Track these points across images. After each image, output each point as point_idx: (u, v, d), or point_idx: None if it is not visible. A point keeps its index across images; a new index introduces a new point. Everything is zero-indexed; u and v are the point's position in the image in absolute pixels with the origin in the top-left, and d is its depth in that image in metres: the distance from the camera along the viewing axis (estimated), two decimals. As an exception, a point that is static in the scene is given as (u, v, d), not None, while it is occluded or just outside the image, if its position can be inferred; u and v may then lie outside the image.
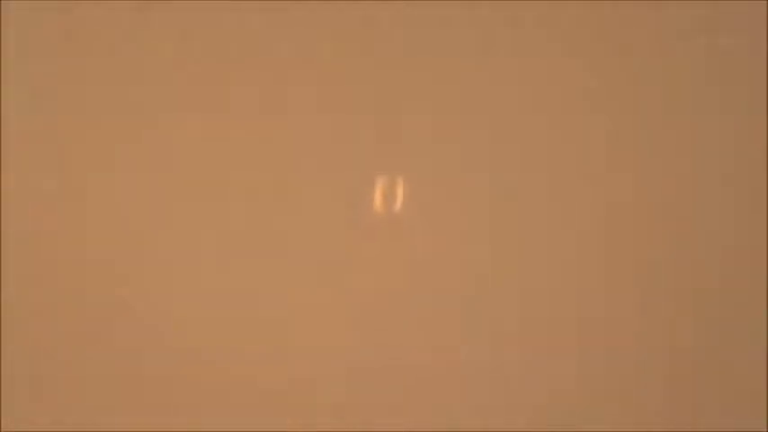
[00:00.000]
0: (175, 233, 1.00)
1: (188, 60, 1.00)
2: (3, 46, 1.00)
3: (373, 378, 1.01)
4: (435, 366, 1.01)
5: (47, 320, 1.00)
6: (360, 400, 1.01)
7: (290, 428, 1.00)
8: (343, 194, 1.01)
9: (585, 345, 1.02)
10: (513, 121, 1.02)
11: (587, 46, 1.02)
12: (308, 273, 1.01)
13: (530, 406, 1.02)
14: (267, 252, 1.00)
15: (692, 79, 1.02)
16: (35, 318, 1.00)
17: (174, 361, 1.00)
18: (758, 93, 1.03)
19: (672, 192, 1.02)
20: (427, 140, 1.01)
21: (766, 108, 1.03)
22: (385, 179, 1.00)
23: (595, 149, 1.02)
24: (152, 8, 1.00)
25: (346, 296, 1.01)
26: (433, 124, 1.01)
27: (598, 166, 1.02)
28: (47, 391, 1.00)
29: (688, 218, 1.02)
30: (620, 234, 1.02)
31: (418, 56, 1.01)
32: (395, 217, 1.00)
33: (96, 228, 1.00)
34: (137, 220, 1.00)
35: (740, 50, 1.03)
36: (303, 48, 1.01)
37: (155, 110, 1.00)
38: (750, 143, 1.03)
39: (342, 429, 1.01)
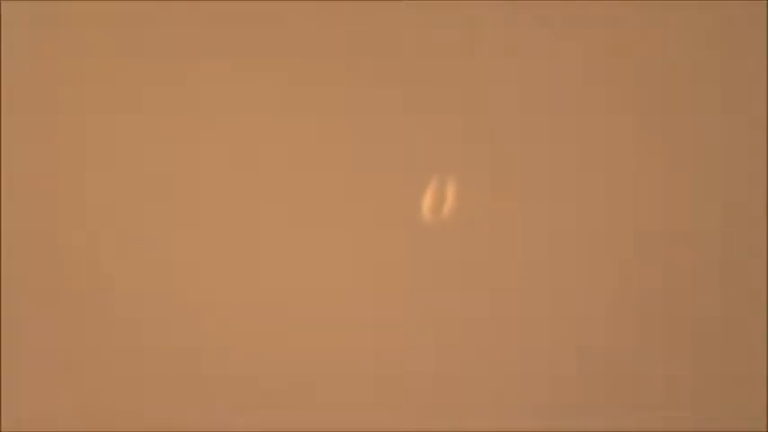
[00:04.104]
0: (205, 235, 1.00)
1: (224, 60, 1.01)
2: (3, 46, 1.00)
3: (416, 380, 1.01)
4: (491, 372, 1.01)
5: (47, 321, 1.00)
6: (383, 401, 1.01)
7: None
8: (391, 196, 1.01)
9: (586, 344, 1.02)
10: (563, 123, 1.02)
11: (590, 47, 1.02)
12: (355, 273, 1.01)
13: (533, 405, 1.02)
14: (314, 254, 1.00)
15: (692, 79, 1.03)
16: (36, 318, 1.00)
17: (174, 361, 1.00)
18: (758, 93, 1.03)
19: (672, 192, 1.02)
20: (476, 142, 1.01)
21: (766, 108, 1.03)
22: (434, 181, 1.00)
23: (606, 149, 1.02)
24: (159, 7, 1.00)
25: (393, 296, 1.01)
26: (482, 125, 1.01)
27: (600, 164, 1.02)
28: (47, 391, 1.00)
29: (688, 218, 1.02)
30: (622, 234, 1.02)
31: (467, 58, 1.01)
32: (443, 219, 1.01)
33: (97, 226, 1.00)
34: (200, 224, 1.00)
35: (740, 50, 1.03)
36: (359, 49, 1.01)
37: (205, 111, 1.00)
38: (750, 143, 1.03)
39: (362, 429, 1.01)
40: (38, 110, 1.00)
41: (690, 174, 1.02)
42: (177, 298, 1.00)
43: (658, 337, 1.02)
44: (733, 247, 1.02)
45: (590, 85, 1.02)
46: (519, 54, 1.02)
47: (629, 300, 1.02)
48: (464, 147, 1.02)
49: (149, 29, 1.00)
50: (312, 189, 1.01)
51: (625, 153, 1.02)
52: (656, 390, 1.02)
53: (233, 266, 1.00)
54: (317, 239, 1.01)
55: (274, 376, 1.01)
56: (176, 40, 1.00)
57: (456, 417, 1.01)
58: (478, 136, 1.02)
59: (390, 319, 1.01)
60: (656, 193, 1.02)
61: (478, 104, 1.02)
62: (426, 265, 1.01)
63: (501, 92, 1.02)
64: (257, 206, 1.01)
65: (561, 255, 1.02)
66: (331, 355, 1.01)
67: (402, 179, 1.01)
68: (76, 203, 1.00)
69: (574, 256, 1.02)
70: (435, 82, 1.01)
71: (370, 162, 1.01)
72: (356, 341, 1.01)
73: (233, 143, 1.01)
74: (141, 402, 1.00)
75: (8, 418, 0.99)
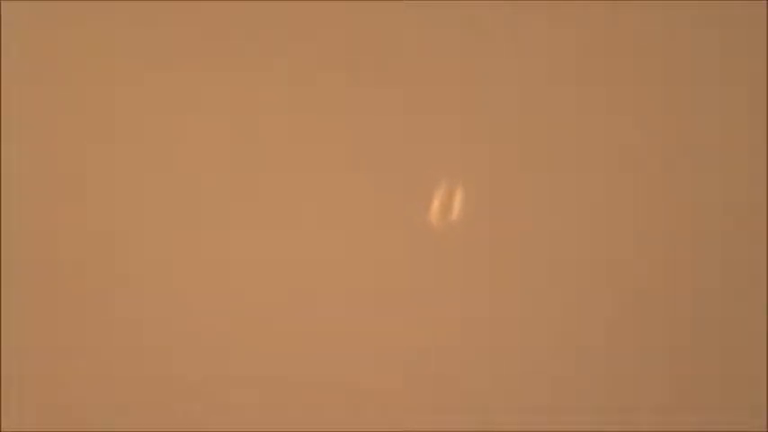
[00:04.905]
0: (206, 234, 1.00)
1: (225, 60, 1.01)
2: (3, 46, 1.00)
3: (419, 382, 1.01)
4: (491, 372, 1.01)
5: (47, 321, 1.00)
6: (380, 399, 1.01)
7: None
8: (391, 197, 1.01)
9: (586, 344, 1.02)
10: (566, 125, 1.02)
11: (590, 47, 1.02)
12: (353, 273, 1.01)
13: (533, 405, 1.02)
14: (312, 253, 1.00)
15: (692, 78, 1.03)
16: (36, 318, 1.00)
17: (174, 361, 1.00)
18: (758, 93, 1.03)
19: (672, 192, 1.02)
20: (476, 142, 1.01)
21: (766, 108, 1.03)
22: (442, 187, 1.00)
23: (606, 149, 1.02)
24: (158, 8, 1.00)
25: (402, 300, 1.01)
26: (482, 125, 1.01)
27: (600, 164, 1.02)
28: (46, 391, 1.00)
29: (688, 218, 1.02)
30: (622, 235, 1.02)
31: (467, 58, 1.01)
32: (450, 225, 1.01)
33: (97, 226, 1.00)
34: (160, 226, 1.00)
35: (740, 50, 1.03)
36: (359, 49, 1.01)
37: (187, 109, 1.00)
38: (750, 143, 1.03)
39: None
40: (38, 110, 1.00)
41: (690, 174, 1.02)
42: (177, 298, 1.00)
43: (658, 337, 1.02)
44: (733, 247, 1.02)
45: (590, 85, 1.02)
46: (519, 54, 1.02)
47: (629, 299, 1.02)
48: (464, 147, 1.02)
49: (149, 29, 1.00)
50: (311, 189, 1.01)
51: (625, 153, 1.02)
52: (656, 390, 1.02)
53: (234, 266, 1.00)
54: (316, 239, 1.01)
55: (274, 377, 1.01)
56: (176, 40, 1.00)
57: (456, 417, 1.01)
58: (478, 136, 1.02)
59: (389, 319, 1.01)
60: (656, 193, 1.02)
61: (478, 104, 1.02)
62: (425, 266, 1.01)
63: (501, 92, 1.02)
64: (257, 206, 1.01)
65: (561, 254, 1.02)
66: (331, 357, 1.01)
67: (401, 179, 1.01)
68: (76, 203, 1.00)
69: (573, 256, 1.02)
70: (435, 82, 1.01)
71: (369, 162, 1.01)
72: (355, 341, 1.01)
73: (233, 143, 1.01)
74: (141, 402, 1.00)
75: (8, 418, 0.99)
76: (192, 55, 1.00)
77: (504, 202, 1.02)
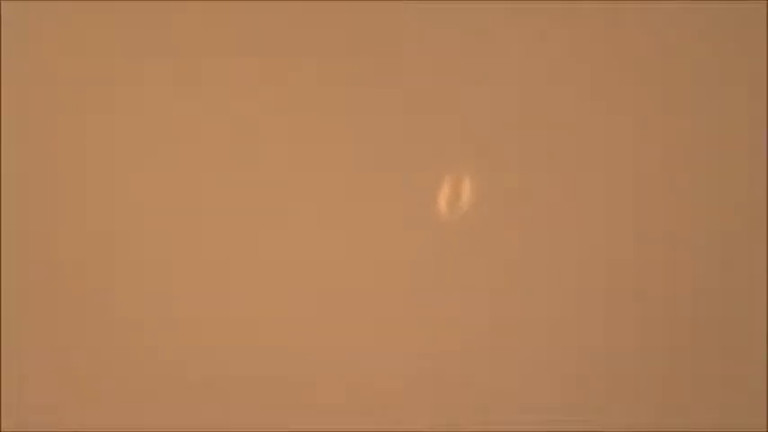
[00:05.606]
0: (207, 235, 1.00)
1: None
2: (3, 46, 1.00)
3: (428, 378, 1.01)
4: (491, 372, 1.01)
5: (47, 321, 1.00)
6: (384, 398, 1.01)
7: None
8: (390, 196, 1.01)
9: (586, 344, 1.02)
10: (572, 121, 1.02)
11: (590, 47, 1.02)
12: (353, 272, 1.01)
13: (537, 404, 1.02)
14: (311, 253, 1.00)
15: (692, 79, 1.03)
16: (36, 318, 1.00)
17: (174, 361, 1.00)
18: (758, 93, 1.03)
19: (672, 192, 1.02)
20: (476, 142, 1.01)
21: (766, 108, 1.03)
22: (450, 179, 1.00)
23: (606, 149, 1.03)
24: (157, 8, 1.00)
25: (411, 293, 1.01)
26: (482, 125, 1.01)
27: (600, 164, 1.02)
28: (46, 391, 1.00)
29: (688, 218, 1.02)
30: (622, 235, 1.02)
31: (467, 58, 1.01)
32: (449, 225, 1.01)
33: (97, 226, 1.00)
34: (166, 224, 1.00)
35: (740, 50, 1.03)
36: (359, 49, 1.01)
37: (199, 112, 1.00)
38: (750, 143, 1.03)
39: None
40: (38, 110, 1.00)
41: (690, 174, 1.02)
42: (177, 298, 1.00)
43: (658, 337, 1.02)
44: (733, 247, 1.02)
45: (590, 85, 1.02)
46: (519, 54, 1.02)
47: (629, 300, 1.02)
48: (463, 147, 1.02)
49: (149, 29, 1.00)
50: (311, 189, 1.01)
51: (625, 153, 1.02)
52: (655, 390, 1.02)
53: (234, 266, 1.00)
54: (316, 239, 1.01)
55: (274, 377, 1.01)
56: (176, 41, 1.00)
57: (456, 417, 1.02)
58: (478, 136, 1.02)
59: (389, 319, 1.01)
60: (656, 193, 1.02)
61: (478, 104, 1.02)
62: (424, 266, 1.01)
63: (501, 92, 1.02)
64: (258, 206, 1.01)
65: (561, 254, 1.02)
66: (331, 357, 1.01)
67: (401, 179, 1.01)
68: (76, 203, 1.00)
69: (573, 256, 1.02)
70: (435, 82, 1.01)
71: (368, 162, 1.01)
72: (356, 341, 1.01)
73: (233, 143, 1.01)
74: (141, 402, 1.00)
75: (8, 418, 0.99)
76: (193, 55, 1.00)
77: (503, 203, 1.02)
